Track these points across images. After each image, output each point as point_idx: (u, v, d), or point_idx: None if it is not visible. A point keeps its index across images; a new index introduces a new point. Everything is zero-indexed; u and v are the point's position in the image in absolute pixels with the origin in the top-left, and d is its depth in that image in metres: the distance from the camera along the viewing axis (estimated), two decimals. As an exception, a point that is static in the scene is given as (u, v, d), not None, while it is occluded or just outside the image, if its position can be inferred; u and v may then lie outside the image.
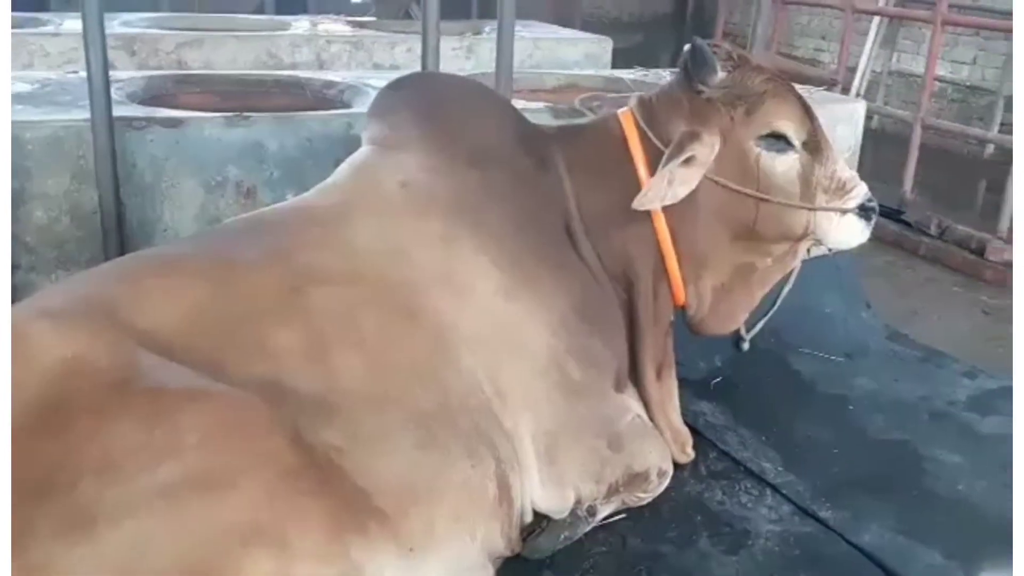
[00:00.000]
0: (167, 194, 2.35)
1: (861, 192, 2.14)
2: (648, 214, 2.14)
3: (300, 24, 4.48)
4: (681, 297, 2.25)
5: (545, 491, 1.93)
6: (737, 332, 3.14)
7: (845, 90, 7.32)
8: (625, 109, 2.22)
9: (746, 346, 3.12)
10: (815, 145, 2.12)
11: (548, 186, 2.12)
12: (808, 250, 2.37)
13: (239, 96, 2.94)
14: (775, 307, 3.20)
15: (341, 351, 1.67)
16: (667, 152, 2.03)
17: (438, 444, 1.70)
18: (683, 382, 2.81)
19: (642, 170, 2.13)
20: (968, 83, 6.94)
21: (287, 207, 1.98)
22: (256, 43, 3.89)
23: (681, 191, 2.05)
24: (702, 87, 2.06)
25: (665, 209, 2.13)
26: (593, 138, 2.21)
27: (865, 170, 6.39)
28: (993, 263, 4.32)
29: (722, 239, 2.18)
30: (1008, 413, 2.80)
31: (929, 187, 5.65)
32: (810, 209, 2.12)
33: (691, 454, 2.40)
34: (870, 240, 5.23)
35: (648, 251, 2.18)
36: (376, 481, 1.56)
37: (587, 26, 6.38)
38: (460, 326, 1.86)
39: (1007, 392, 2.93)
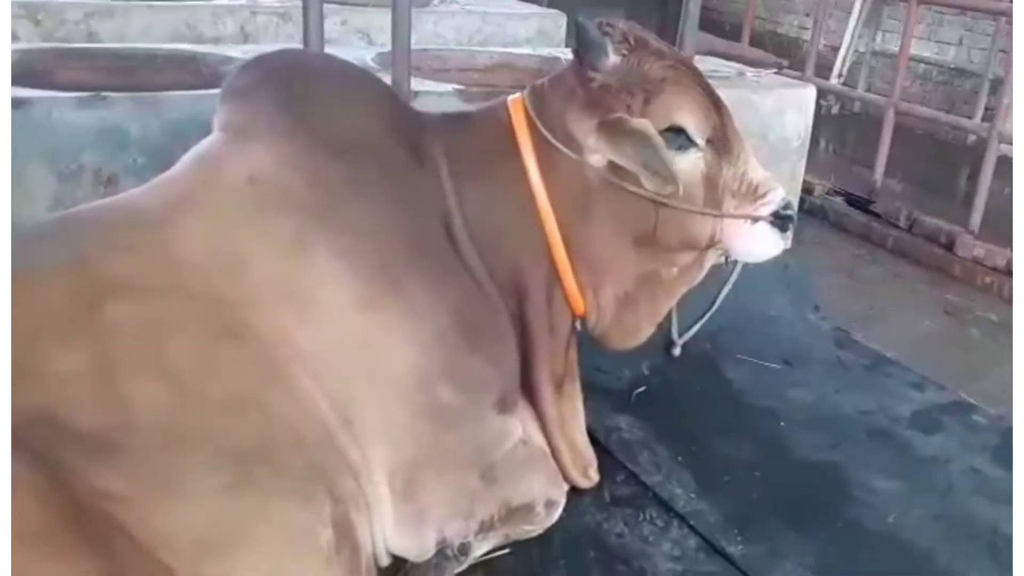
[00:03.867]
0: (14, 183, 2.10)
1: (776, 198, 1.89)
2: (538, 215, 1.90)
3: (232, -9, 4.20)
4: (579, 307, 2.01)
5: (400, 531, 1.70)
6: (670, 336, 2.93)
7: (828, 69, 7.05)
8: (516, 96, 1.97)
9: (677, 351, 2.89)
10: (723, 142, 1.87)
11: (426, 183, 1.88)
12: (727, 259, 2.12)
13: (127, 72, 2.69)
14: (714, 308, 2.98)
15: (137, 379, 1.43)
16: (640, 145, 1.76)
17: (254, 485, 1.47)
18: (604, 392, 2.61)
19: (531, 164, 1.89)
20: (953, 65, 6.65)
21: (107, 204, 1.73)
22: (173, 13, 3.61)
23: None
24: (593, 73, 1.82)
25: (557, 211, 1.90)
26: (478, 128, 1.97)
27: (843, 157, 6.12)
28: (962, 259, 4.08)
29: (622, 245, 1.94)
30: (952, 431, 2.58)
31: (907, 175, 5.40)
32: (716, 216, 1.88)
33: (594, 478, 2.17)
34: (838, 232, 5.02)
35: (540, 256, 1.94)
36: (164, 533, 1.34)
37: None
38: (301, 346, 1.62)
39: (955, 407, 2.72)
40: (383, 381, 1.70)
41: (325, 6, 4.02)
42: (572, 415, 2.16)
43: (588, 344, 2.15)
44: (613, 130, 1.79)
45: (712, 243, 1.93)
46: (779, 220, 1.90)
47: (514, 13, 4.32)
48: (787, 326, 3.09)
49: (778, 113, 2.94)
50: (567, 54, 3.34)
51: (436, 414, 1.75)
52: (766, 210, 1.89)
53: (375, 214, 1.76)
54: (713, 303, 2.98)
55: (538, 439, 2.05)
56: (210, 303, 1.58)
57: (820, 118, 7.12)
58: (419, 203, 1.85)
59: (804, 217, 4.73)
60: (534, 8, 4.61)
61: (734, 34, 6.31)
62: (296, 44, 3.83)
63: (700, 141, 1.84)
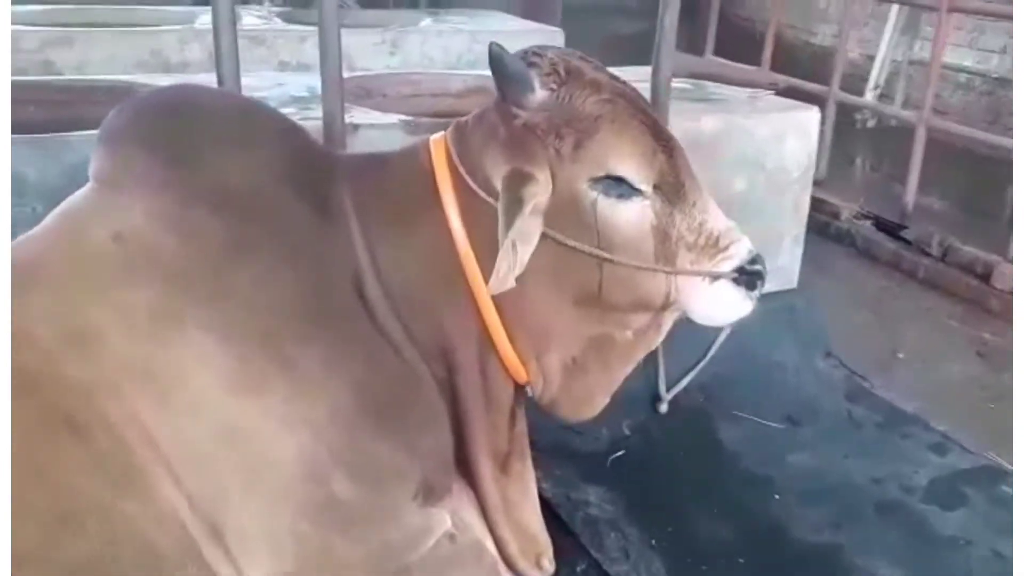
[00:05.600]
0: None
1: (741, 251, 1.59)
2: (463, 272, 1.63)
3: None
4: (521, 374, 1.73)
5: (283, 658, 1.43)
6: (656, 389, 2.63)
7: (862, 80, 6.66)
8: (439, 135, 1.70)
9: (664, 407, 2.59)
10: (675, 187, 1.57)
11: (331, 238, 1.61)
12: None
13: (59, 107, 2.48)
14: (707, 357, 2.67)
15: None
16: (501, 205, 1.52)
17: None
18: (575, 457, 2.33)
19: (452, 213, 1.62)
20: (996, 75, 6.21)
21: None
22: (137, 40, 3.41)
23: (525, 253, 1.53)
24: (517, 110, 1.54)
25: (484, 267, 1.61)
26: (395, 172, 1.70)
27: (880, 174, 5.65)
28: (1000, 291, 3.69)
29: (562, 305, 1.65)
30: (976, 505, 2.24)
31: (944, 194, 5.00)
32: (669, 272, 1.58)
33: (548, 568, 1.88)
34: (865, 260, 4.63)
35: (468, 319, 1.67)
36: None
37: (570, 14, 5.78)
38: (161, 438, 1.37)
39: (980, 474, 2.37)
40: (262, 476, 1.44)
41: (304, 28, 3.84)
42: (523, 497, 1.88)
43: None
44: (518, 183, 1.51)
45: (668, 303, 1.63)
46: (745, 277, 1.60)
47: (504, 31, 4.05)
48: (793, 375, 2.77)
49: (776, 139, 2.62)
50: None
51: (328, 512, 1.48)
52: (728, 265, 1.59)
53: (258, 278, 1.50)
54: (707, 352, 2.68)
55: (476, 529, 1.77)
56: (52, 388, 1.35)
57: (855, 133, 6.75)
58: (320, 262, 1.59)
59: (830, 244, 4.39)
60: (528, 24, 4.34)
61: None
62: (269, 69, 3.64)
63: (645, 188, 1.55)
